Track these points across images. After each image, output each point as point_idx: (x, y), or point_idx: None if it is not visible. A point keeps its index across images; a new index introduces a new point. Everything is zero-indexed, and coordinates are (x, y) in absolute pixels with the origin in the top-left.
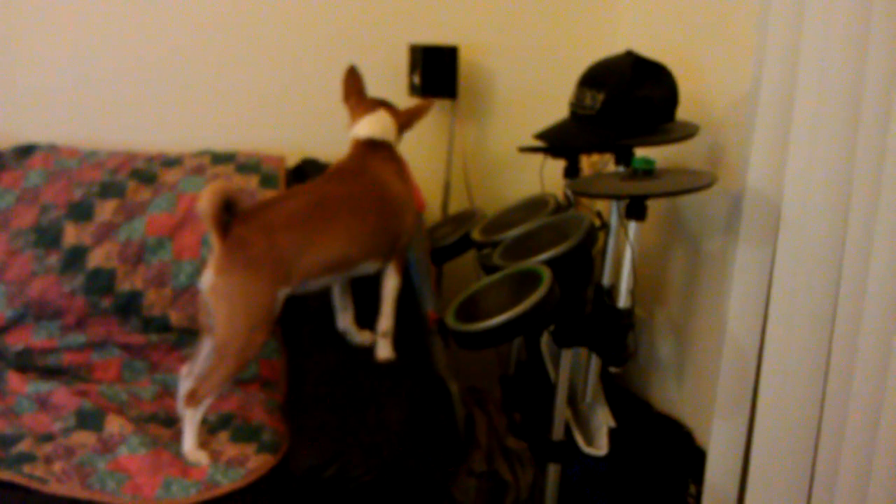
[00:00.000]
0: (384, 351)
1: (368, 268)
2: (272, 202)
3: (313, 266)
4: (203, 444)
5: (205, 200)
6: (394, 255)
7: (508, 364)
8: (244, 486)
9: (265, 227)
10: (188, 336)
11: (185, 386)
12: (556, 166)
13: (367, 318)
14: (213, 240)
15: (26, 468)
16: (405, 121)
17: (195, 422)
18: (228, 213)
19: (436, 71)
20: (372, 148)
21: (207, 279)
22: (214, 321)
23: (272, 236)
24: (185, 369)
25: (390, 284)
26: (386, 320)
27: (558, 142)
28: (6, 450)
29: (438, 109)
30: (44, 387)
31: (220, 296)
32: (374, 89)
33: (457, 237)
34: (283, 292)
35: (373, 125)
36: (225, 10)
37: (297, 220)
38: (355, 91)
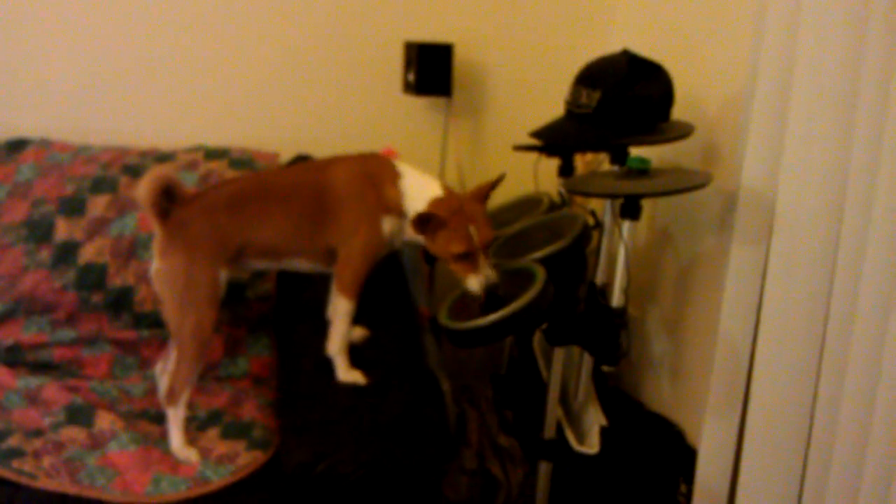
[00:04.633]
0: (341, 374)
1: (302, 264)
2: (216, 186)
3: (251, 248)
4: (193, 440)
5: (143, 187)
6: (337, 271)
7: (500, 362)
8: (234, 482)
9: (206, 207)
10: None
11: (163, 383)
12: (551, 165)
13: (358, 314)
14: (154, 226)
15: (15, 463)
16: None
17: (179, 419)
18: (168, 199)
19: (431, 68)
20: (364, 161)
21: (153, 266)
22: (164, 307)
23: (213, 216)
24: (159, 366)
25: (335, 306)
26: (331, 343)
27: (553, 140)
28: None
29: (433, 107)
30: (34, 382)
31: (165, 279)
32: (369, 86)
33: None
34: (224, 271)
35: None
36: (220, 4)
37: (237, 201)
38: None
